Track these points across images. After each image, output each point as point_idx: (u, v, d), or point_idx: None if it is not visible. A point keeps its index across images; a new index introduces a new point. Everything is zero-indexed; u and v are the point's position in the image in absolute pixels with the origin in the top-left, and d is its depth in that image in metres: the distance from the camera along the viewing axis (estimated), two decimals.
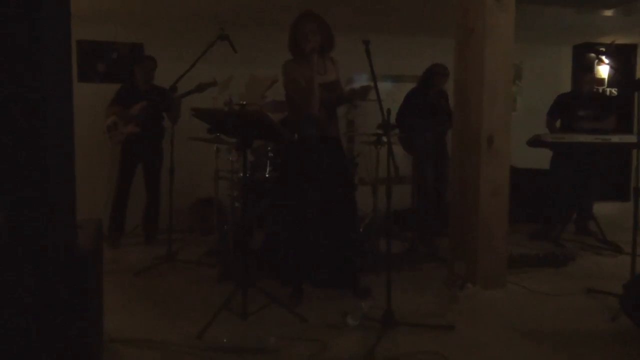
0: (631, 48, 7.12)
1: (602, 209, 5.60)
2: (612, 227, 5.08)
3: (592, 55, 6.90)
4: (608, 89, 7.14)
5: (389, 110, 2.85)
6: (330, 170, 3.38)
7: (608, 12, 5.35)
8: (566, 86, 6.77)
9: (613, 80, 7.11)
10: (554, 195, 5.26)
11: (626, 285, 2.93)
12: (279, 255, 3.46)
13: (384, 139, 4.04)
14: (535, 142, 4.82)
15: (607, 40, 6.42)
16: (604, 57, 6.72)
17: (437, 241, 4.67)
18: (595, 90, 5.53)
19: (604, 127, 4.98)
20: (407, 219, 5.22)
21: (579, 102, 5.17)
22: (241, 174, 3.64)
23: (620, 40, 6.60)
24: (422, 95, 4.93)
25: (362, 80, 5.51)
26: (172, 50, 5.45)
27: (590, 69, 5.58)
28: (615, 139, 4.58)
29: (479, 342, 2.78)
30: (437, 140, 4.88)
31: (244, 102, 3.35)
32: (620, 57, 7.04)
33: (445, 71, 4.85)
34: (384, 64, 5.27)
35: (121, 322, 2.90)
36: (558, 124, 5.33)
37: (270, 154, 4.21)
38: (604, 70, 7.09)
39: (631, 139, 4.48)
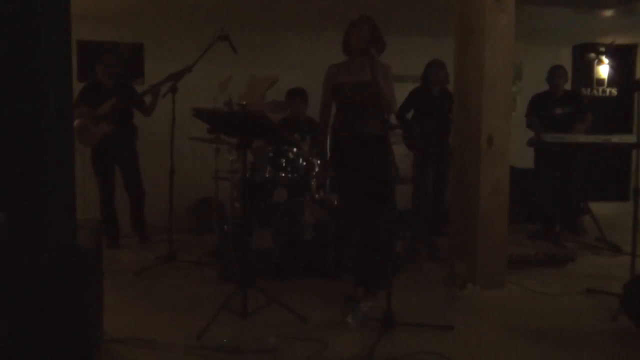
0: (631, 48, 7.12)
1: (602, 209, 5.60)
2: (612, 227, 5.08)
3: (592, 55, 6.91)
4: (602, 89, 7.12)
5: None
6: (364, 169, 3.38)
7: (608, 12, 5.34)
8: (566, 86, 6.76)
9: (613, 80, 7.11)
10: (541, 195, 5.26)
11: (626, 285, 2.93)
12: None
13: None
14: (535, 142, 4.83)
15: (607, 40, 6.42)
16: (604, 57, 6.75)
17: (437, 241, 4.67)
18: (568, 89, 5.52)
19: (583, 125, 4.98)
20: (407, 219, 5.22)
21: (555, 100, 5.18)
22: (241, 174, 3.64)
23: (620, 40, 6.59)
24: (425, 93, 4.93)
25: None
26: (172, 50, 5.46)
27: (561, 65, 5.53)
28: (615, 139, 4.58)
29: (479, 342, 2.78)
30: (438, 139, 4.87)
31: (244, 102, 3.35)
32: (620, 57, 7.04)
33: (438, 63, 4.83)
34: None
35: (121, 322, 2.89)
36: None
37: (270, 154, 4.21)
38: (604, 70, 7.08)
39: (631, 139, 4.48)
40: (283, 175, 4.01)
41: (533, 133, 5.09)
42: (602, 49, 6.71)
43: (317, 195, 4.00)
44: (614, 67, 6.89)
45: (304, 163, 4.00)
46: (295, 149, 3.99)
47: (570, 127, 4.91)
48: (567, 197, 5.21)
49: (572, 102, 5.23)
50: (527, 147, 5.03)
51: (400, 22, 5.72)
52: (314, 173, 4.00)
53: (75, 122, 4.56)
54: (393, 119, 4.07)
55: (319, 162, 3.96)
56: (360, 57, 3.32)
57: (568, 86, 6.63)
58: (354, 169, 3.42)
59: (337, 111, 3.50)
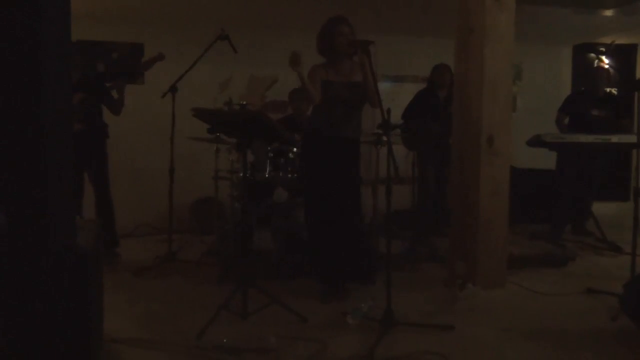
0: (631, 48, 7.11)
1: (602, 209, 5.60)
2: (612, 227, 5.08)
3: (592, 55, 6.90)
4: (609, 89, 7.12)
5: (389, 110, 2.86)
6: (341, 170, 3.44)
7: (608, 12, 5.34)
8: (566, 86, 6.76)
9: (613, 80, 7.09)
10: (560, 196, 5.22)
11: (626, 285, 2.93)
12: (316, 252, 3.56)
13: (384, 138, 4.04)
14: (535, 142, 4.81)
15: (607, 40, 6.43)
16: (604, 57, 6.75)
17: (437, 241, 4.67)
18: (609, 91, 5.47)
19: (620, 128, 4.88)
20: (407, 219, 5.22)
21: (593, 101, 5.11)
22: (241, 174, 3.65)
23: (620, 40, 6.59)
24: (431, 96, 4.94)
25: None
26: (172, 50, 5.45)
27: (602, 67, 5.48)
28: (615, 139, 4.57)
29: (479, 342, 2.78)
30: (439, 140, 4.88)
31: (244, 102, 3.35)
32: (620, 57, 7.03)
33: (443, 66, 4.84)
34: (384, 64, 5.27)
35: (121, 322, 2.90)
36: (566, 121, 5.29)
37: (270, 154, 4.21)
38: None
39: (631, 139, 4.47)
40: (283, 175, 4.01)
41: (533, 133, 5.08)
42: (602, 49, 6.71)
43: None
44: (614, 67, 6.88)
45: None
46: (295, 149, 3.99)
47: (604, 130, 4.73)
48: (585, 199, 5.19)
49: (611, 105, 5.14)
50: (527, 147, 5.02)
51: (400, 22, 5.72)
52: None
53: None
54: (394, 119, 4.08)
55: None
56: (344, 58, 3.41)
57: (568, 86, 6.68)
58: (336, 169, 3.43)
59: (322, 110, 3.47)
